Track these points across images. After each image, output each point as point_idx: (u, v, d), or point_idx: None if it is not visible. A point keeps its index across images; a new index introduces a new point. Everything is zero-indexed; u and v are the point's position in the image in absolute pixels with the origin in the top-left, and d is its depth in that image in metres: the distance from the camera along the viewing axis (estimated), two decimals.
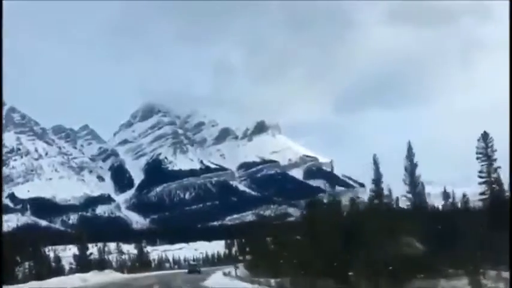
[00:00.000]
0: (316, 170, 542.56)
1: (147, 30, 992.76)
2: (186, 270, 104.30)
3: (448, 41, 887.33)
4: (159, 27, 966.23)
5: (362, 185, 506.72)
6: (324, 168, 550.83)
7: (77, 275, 52.74)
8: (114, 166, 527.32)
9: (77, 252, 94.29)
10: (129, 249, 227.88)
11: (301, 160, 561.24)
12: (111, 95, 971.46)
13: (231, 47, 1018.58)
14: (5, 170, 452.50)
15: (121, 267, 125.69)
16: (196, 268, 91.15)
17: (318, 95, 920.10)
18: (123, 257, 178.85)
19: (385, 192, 42.75)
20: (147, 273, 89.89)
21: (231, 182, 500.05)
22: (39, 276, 55.62)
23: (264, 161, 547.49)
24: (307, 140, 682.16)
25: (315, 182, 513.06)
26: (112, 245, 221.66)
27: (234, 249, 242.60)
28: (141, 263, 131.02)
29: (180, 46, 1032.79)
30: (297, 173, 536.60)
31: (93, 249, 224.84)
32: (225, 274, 67.94)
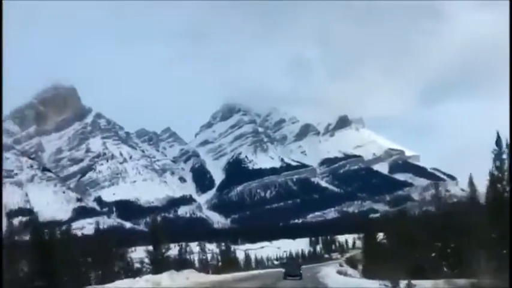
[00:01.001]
0: (402, 164, 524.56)
1: (225, 30, 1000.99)
2: (276, 270, 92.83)
3: None
4: (237, 27, 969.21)
5: (452, 178, 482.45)
6: (411, 161, 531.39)
7: (147, 276, 43.29)
8: (195, 167, 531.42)
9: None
10: (212, 248, 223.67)
11: (386, 154, 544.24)
12: (191, 97, 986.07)
13: (310, 43, 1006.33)
14: (92, 175, 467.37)
15: (204, 267, 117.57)
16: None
17: (402, 86, 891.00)
18: (206, 256, 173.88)
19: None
20: (236, 274, 71.75)
21: (312, 179, 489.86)
22: (102, 280, 51.58)
23: (347, 156, 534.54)
24: (392, 133, 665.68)
25: (401, 176, 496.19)
26: (194, 245, 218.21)
27: (318, 247, 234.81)
28: (227, 262, 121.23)
29: (258, 45, 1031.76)
30: (382, 168, 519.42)
31: (174, 249, 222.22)
32: (340, 272, 64.94)
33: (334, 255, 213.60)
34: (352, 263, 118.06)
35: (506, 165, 30.17)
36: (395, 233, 48.73)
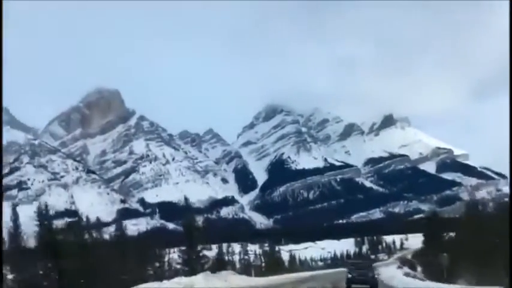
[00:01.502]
0: (450, 163, 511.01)
1: (268, 30, 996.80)
2: (326, 272, 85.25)
3: None
4: (280, 26, 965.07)
5: (503, 176, 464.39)
6: (459, 160, 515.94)
7: (178, 278, 38.63)
8: (238, 168, 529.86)
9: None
10: (254, 249, 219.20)
11: (433, 153, 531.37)
12: (233, 98, 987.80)
13: (353, 40, 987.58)
14: (135, 176, 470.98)
15: (246, 269, 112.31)
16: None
17: (450, 83, 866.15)
18: (248, 257, 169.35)
19: None
20: (282, 277, 60.35)
21: (356, 179, 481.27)
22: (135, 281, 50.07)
23: (393, 156, 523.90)
24: (440, 131, 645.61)
25: (449, 175, 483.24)
26: (236, 246, 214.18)
27: (364, 248, 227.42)
28: (270, 263, 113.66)
29: (299, 44, 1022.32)
30: (429, 167, 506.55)
31: (215, 250, 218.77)
32: (407, 274, 60.77)
33: (381, 255, 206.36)
34: (409, 263, 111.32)
35: None
36: (470, 233, 45.93)
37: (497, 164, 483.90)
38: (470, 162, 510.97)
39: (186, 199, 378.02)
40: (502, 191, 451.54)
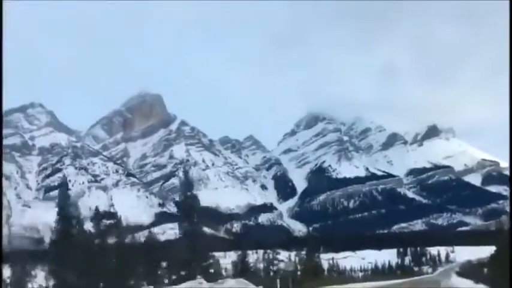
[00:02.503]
0: (496, 175, 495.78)
1: (310, 38, 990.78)
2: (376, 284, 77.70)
3: None
4: (321, 34, 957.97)
5: None
6: (506, 173, 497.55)
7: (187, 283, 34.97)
8: (277, 175, 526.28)
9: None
10: (289, 256, 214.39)
11: (478, 165, 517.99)
12: (275, 105, 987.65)
13: (398, 48, 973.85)
14: (174, 181, 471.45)
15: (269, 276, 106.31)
16: None
17: (496, 93, 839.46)
18: (281, 265, 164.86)
19: None
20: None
21: (398, 190, 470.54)
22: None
23: (436, 167, 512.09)
24: (486, 142, 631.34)
25: (495, 188, 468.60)
26: (270, 253, 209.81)
27: (407, 259, 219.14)
28: (307, 272, 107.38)
29: (343, 52, 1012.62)
30: (474, 179, 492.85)
31: (252, 256, 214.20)
32: None
33: (425, 268, 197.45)
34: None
35: None
36: None
37: None
38: None
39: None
40: None
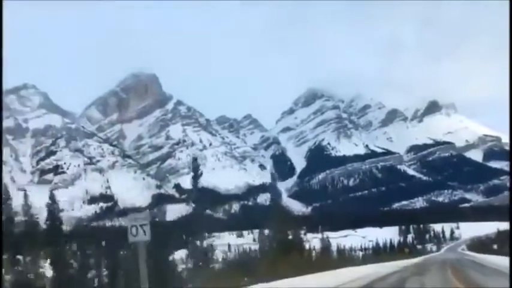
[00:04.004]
0: (498, 151, 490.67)
1: (309, 14, 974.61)
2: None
3: None
4: (321, 10, 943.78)
5: None
6: (508, 148, 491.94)
7: None
8: (276, 154, 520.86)
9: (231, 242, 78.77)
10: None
11: (480, 140, 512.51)
12: (273, 83, 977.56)
13: (400, 22, 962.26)
14: (172, 162, 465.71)
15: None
16: None
17: (501, 67, 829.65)
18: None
19: None
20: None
21: (398, 167, 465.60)
22: None
23: (437, 143, 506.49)
24: (488, 118, 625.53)
25: (496, 164, 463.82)
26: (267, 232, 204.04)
27: (410, 236, 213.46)
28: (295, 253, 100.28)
29: (342, 28, 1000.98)
30: (476, 155, 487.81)
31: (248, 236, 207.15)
32: None
33: (429, 246, 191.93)
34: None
35: None
36: None
37: None
38: None
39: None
40: None
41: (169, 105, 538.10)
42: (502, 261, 34.16)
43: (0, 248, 33.89)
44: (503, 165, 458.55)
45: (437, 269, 35.53)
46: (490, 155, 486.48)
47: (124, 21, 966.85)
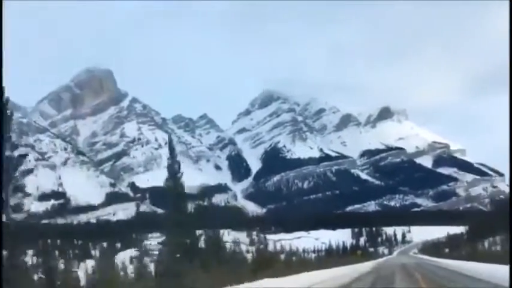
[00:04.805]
0: (447, 158, 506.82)
1: (264, 16, 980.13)
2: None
3: None
4: (277, 12, 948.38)
5: (500, 174, 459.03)
6: (456, 155, 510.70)
7: None
8: (232, 155, 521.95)
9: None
10: (240, 237, 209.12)
11: (430, 147, 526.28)
12: (229, 84, 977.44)
13: (354, 27, 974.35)
14: (126, 160, 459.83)
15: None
16: None
17: (449, 77, 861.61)
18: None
19: None
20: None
21: (352, 171, 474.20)
22: None
23: (389, 149, 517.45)
24: (437, 125, 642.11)
25: (445, 170, 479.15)
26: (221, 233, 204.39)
27: (362, 239, 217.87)
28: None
29: (299, 31, 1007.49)
30: (426, 161, 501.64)
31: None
32: None
33: (381, 248, 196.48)
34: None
35: None
36: None
37: (493, 160, 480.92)
38: (466, 158, 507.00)
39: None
40: (498, 187, 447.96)
41: (125, 103, 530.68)
42: (474, 266, 31.38)
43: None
44: (451, 171, 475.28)
45: (405, 275, 31.06)
46: (439, 161, 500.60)
47: (78, 14, 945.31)
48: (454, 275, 29.19)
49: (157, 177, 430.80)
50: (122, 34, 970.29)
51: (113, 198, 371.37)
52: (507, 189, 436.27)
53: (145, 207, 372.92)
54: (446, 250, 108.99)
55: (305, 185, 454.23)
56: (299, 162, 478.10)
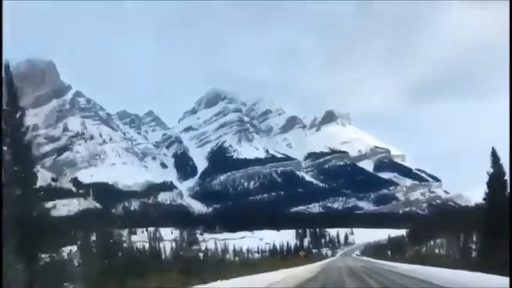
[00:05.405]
0: (387, 162, 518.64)
1: (214, 16, 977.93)
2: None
3: None
4: (227, 12, 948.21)
5: (437, 179, 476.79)
6: (396, 160, 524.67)
7: None
8: (178, 153, 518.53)
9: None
10: (176, 236, 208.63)
11: (372, 152, 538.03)
12: (176, 82, 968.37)
13: (301, 32, 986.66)
14: (69, 155, 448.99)
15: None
16: None
17: (391, 83, 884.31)
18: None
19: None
20: None
21: (297, 173, 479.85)
22: None
23: (333, 152, 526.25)
24: (379, 131, 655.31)
25: (386, 175, 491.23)
26: (164, 231, 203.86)
27: (306, 240, 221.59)
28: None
29: (248, 32, 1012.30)
30: (368, 165, 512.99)
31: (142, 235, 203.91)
32: None
33: (325, 250, 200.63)
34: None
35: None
36: None
37: (431, 166, 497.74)
38: (406, 163, 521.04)
39: None
40: (435, 193, 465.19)
41: (68, 96, 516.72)
42: (429, 270, 29.84)
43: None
44: (391, 176, 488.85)
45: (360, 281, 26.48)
46: (380, 166, 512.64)
47: (18, 2, 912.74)
48: (409, 280, 25.30)
49: (101, 173, 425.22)
50: (66, 25, 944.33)
51: (55, 193, 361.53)
52: (443, 195, 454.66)
53: (88, 204, 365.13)
54: (389, 252, 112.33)
55: (251, 185, 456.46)
56: (245, 163, 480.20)
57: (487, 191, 31.05)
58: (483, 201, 32.26)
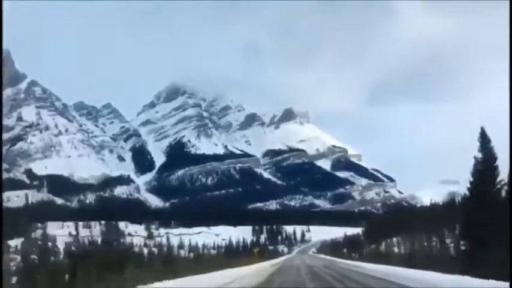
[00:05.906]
0: (344, 162, 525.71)
1: (175, 10, 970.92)
2: None
3: (495, 28, 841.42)
4: (187, 7, 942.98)
5: (391, 180, 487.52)
6: (353, 160, 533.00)
7: None
8: (136, 147, 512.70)
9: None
10: (138, 230, 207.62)
11: (329, 151, 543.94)
12: (135, 75, 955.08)
13: (262, 29, 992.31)
14: (23, 145, 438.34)
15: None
16: None
17: (350, 84, 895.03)
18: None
19: None
20: None
21: (255, 169, 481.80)
22: None
23: (291, 150, 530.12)
24: (337, 130, 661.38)
25: (342, 174, 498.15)
26: (121, 225, 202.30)
27: (263, 237, 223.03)
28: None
29: (208, 27, 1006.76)
30: (325, 164, 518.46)
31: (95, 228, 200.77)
32: None
33: (281, 247, 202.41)
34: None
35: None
36: None
37: (386, 167, 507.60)
38: (362, 163, 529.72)
39: None
40: (390, 193, 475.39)
41: (23, 85, 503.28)
42: (388, 269, 29.84)
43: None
44: (348, 175, 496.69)
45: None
46: (337, 165, 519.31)
47: None
48: (373, 280, 23.71)
49: (56, 165, 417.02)
50: (23, 12, 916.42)
51: (8, 184, 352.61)
52: (398, 195, 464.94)
53: (42, 196, 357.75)
54: (345, 250, 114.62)
55: (209, 181, 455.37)
56: (203, 158, 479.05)
57: (471, 179, 27.91)
58: (467, 192, 28.86)
